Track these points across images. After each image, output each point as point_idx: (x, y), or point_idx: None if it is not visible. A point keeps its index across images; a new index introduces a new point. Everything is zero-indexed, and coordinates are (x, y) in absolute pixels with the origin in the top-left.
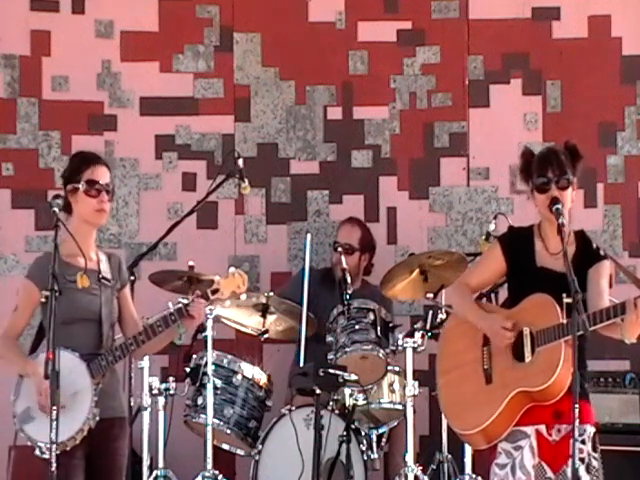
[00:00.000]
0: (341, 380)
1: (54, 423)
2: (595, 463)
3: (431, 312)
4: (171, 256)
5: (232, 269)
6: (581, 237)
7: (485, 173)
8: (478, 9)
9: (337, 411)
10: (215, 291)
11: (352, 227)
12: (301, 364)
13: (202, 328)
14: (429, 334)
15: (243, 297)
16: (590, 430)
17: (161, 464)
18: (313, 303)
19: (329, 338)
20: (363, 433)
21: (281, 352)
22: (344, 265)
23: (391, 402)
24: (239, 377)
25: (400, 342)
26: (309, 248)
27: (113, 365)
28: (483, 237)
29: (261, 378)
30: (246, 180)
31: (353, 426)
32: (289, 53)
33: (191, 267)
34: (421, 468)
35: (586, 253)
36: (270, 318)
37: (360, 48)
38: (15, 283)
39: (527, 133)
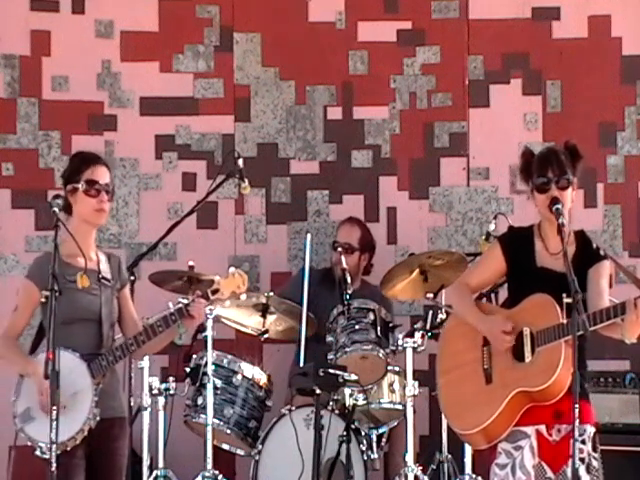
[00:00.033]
0: (341, 380)
1: (54, 423)
2: (595, 463)
3: (431, 312)
4: (171, 256)
5: (232, 269)
6: (581, 237)
7: (485, 173)
8: (478, 9)
9: (337, 411)
10: (215, 291)
11: (352, 227)
12: (301, 364)
13: (202, 328)
14: (429, 334)
15: (243, 297)
16: (590, 430)
17: (161, 464)
18: (313, 303)
19: (329, 338)
20: (363, 433)
21: (281, 352)
22: (344, 265)
23: (391, 402)
24: (239, 377)
25: (400, 342)
26: (309, 248)
27: (113, 365)
28: (483, 237)
29: (261, 378)
30: (246, 180)
31: (353, 426)
32: (289, 53)
33: (191, 267)
34: (421, 468)
35: (586, 253)
36: (270, 318)
37: (360, 48)
38: (15, 283)
39: (527, 133)
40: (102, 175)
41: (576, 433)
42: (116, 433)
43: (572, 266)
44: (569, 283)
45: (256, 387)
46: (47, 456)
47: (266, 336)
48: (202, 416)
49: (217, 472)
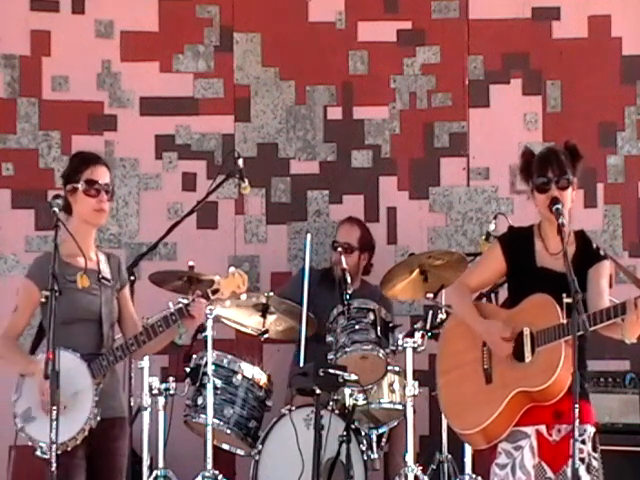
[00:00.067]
0: (341, 380)
1: (54, 423)
2: (595, 463)
3: (431, 312)
4: (171, 256)
5: (232, 269)
6: (581, 237)
7: (485, 173)
8: (478, 9)
9: (337, 411)
10: (215, 291)
11: (351, 226)
12: (301, 364)
13: (202, 328)
14: (429, 334)
15: (243, 297)
16: (590, 430)
17: (161, 464)
18: (313, 303)
19: (329, 338)
20: (363, 433)
21: (281, 352)
22: (344, 265)
23: (391, 402)
24: (239, 377)
25: (400, 342)
26: (309, 248)
27: (114, 365)
28: (483, 237)
29: (261, 378)
30: (246, 180)
31: (353, 426)
32: (289, 53)
33: (191, 267)
34: (421, 468)
35: (586, 253)
36: (270, 318)
37: (360, 48)
38: (15, 283)
39: (527, 133)
40: (102, 175)
41: (576, 433)
42: (116, 433)
43: (572, 266)
44: (569, 283)
45: (256, 387)
46: (48, 456)
47: (266, 336)
48: (202, 416)
49: (217, 472)
